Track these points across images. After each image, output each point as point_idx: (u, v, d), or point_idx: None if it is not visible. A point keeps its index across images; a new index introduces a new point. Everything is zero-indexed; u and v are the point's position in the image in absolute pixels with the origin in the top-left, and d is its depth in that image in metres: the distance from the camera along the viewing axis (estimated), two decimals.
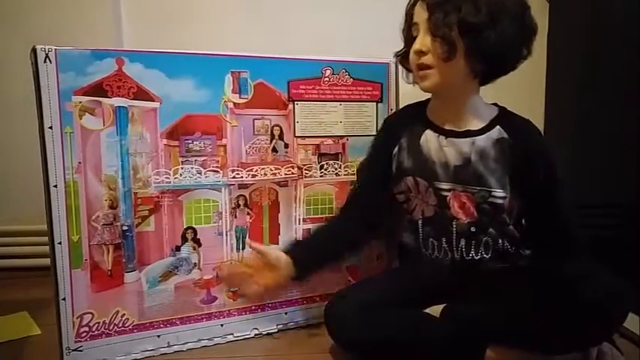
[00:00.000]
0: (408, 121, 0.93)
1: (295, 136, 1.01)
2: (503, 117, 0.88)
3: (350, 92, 1.04)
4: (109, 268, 0.89)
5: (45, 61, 0.81)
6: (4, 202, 1.37)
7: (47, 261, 0.86)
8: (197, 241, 0.95)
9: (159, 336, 0.93)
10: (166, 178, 0.92)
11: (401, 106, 1.07)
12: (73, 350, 0.87)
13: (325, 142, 1.04)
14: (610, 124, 1.10)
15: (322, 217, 1.05)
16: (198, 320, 0.96)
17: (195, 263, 0.95)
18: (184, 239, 0.94)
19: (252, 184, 0.99)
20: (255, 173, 0.98)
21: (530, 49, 0.83)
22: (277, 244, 1.02)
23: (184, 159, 0.93)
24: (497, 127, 0.86)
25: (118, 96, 0.87)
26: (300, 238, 1.01)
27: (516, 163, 0.85)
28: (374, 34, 1.35)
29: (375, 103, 1.07)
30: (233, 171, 0.97)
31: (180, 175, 0.93)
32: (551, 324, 0.76)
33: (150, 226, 0.92)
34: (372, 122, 1.07)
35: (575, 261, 0.85)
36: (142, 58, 0.88)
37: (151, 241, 0.92)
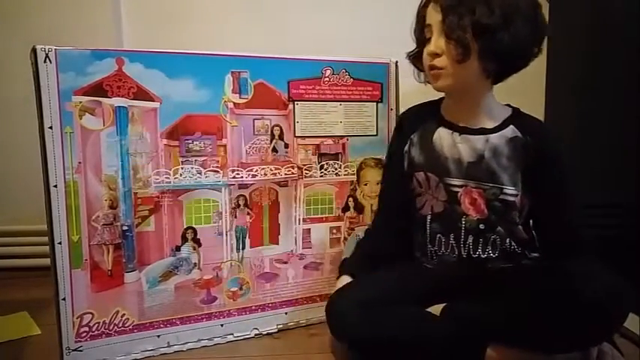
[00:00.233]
0: (421, 119, 0.94)
1: (295, 136, 1.01)
2: (517, 117, 0.89)
3: (350, 92, 1.04)
4: (109, 268, 0.89)
5: (45, 61, 0.81)
6: (4, 202, 1.37)
7: (47, 261, 0.86)
8: (197, 241, 0.95)
9: (159, 336, 0.93)
10: (166, 178, 0.92)
11: (401, 106, 1.08)
12: (73, 350, 0.87)
13: (325, 142, 1.04)
14: (610, 124, 1.10)
15: (322, 217, 1.05)
16: (198, 320, 0.96)
17: (195, 263, 0.95)
18: (184, 239, 0.94)
19: (252, 184, 0.99)
20: (255, 173, 0.98)
21: (542, 47, 0.84)
22: (277, 244, 1.02)
23: (184, 159, 0.93)
24: (511, 126, 0.88)
25: (118, 96, 0.87)
26: (349, 256, 1.02)
27: (529, 162, 0.86)
28: (374, 34, 1.35)
29: (375, 103, 1.07)
30: (233, 171, 0.97)
31: (181, 175, 0.93)
32: (551, 323, 0.76)
33: (150, 226, 0.92)
34: (372, 122, 1.07)
35: (579, 260, 0.85)
36: (142, 58, 0.88)
37: (151, 241, 0.92)
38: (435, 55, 0.83)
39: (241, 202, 0.98)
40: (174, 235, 0.93)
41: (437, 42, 0.82)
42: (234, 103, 0.95)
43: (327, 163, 1.04)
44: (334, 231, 1.06)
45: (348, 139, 1.05)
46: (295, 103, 1.00)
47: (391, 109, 1.08)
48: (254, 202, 0.99)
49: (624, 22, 1.07)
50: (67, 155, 0.84)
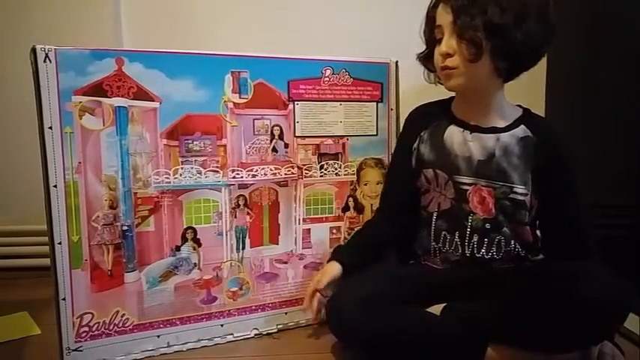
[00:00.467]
0: (431, 116, 0.95)
1: (295, 136, 1.01)
2: (528, 117, 0.90)
3: (350, 92, 1.04)
4: (109, 268, 0.89)
5: (45, 61, 0.81)
6: (5, 202, 1.37)
7: (47, 261, 0.86)
8: (197, 241, 0.95)
9: (159, 336, 0.93)
10: (166, 178, 0.92)
11: (401, 106, 1.08)
12: (73, 350, 0.87)
13: (325, 142, 1.04)
14: (610, 124, 1.10)
15: (322, 217, 1.05)
16: (198, 320, 0.96)
17: (195, 263, 0.95)
18: (184, 239, 0.94)
19: (252, 184, 0.99)
20: (255, 173, 0.98)
21: (551, 43, 0.85)
22: (277, 244, 1.02)
23: (184, 159, 0.93)
24: (522, 125, 0.88)
25: (118, 96, 0.87)
26: (344, 243, 1.04)
27: (539, 162, 0.87)
28: (374, 34, 1.35)
29: (375, 103, 1.07)
30: (233, 171, 0.97)
31: (180, 175, 0.93)
32: (551, 323, 0.76)
33: (150, 226, 0.92)
34: (372, 122, 1.07)
35: (581, 261, 0.85)
36: (142, 58, 0.88)
37: (151, 241, 0.92)
38: (447, 55, 0.83)
39: (241, 202, 0.98)
40: (174, 235, 0.93)
41: (448, 42, 0.82)
42: (234, 103, 0.95)
43: (327, 163, 1.04)
44: (334, 231, 1.06)
45: (348, 139, 1.05)
46: (295, 103, 1.00)
47: (391, 109, 1.08)
48: (254, 202, 0.99)
49: (624, 22, 1.07)
50: (67, 155, 0.84)
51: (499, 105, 0.89)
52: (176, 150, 0.92)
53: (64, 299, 0.86)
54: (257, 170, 0.98)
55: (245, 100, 0.96)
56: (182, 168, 0.93)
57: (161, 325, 0.93)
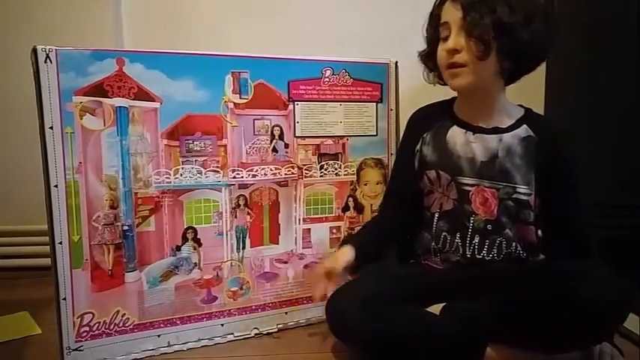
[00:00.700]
0: (433, 118, 0.95)
1: (295, 136, 1.01)
2: (530, 117, 0.90)
3: (350, 92, 1.04)
4: (110, 268, 0.89)
5: (45, 62, 0.81)
6: (6, 201, 1.38)
7: (48, 261, 0.86)
8: (197, 241, 0.95)
9: (159, 336, 0.93)
10: (167, 178, 0.92)
11: (401, 107, 1.08)
12: (74, 350, 0.88)
13: (325, 143, 1.04)
14: (610, 124, 1.10)
15: (322, 217, 1.05)
16: (198, 320, 0.96)
17: (195, 263, 0.95)
18: (185, 239, 0.94)
19: (252, 184, 0.99)
20: (256, 173, 0.98)
21: (554, 45, 0.85)
22: (277, 244, 1.02)
23: (185, 159, 0.93)
24: (525, 125, 0.89)
25: (119, 96, 0.87)
26: (355, 233, 1.04)
27: (541, 162, 0.87)
28: (374, 34, 1.35)
29: (375, 104, 1.07)
30: (233, 171, 0.97)
31: (181, 175, 0.93)
32: (551, 323, 0.76)
33: (150, 226, 0.92)
34: (372, 122, 1.07)
35: (582, 261, 0.85)
36: (143, 59, 0.88)
37: (152, 241, 0.92)
38: (455, 51, 0.82)
39: (241, 202, 0.98)
40: (175, 234, 0.94)
41: (456, 39, 0.82)
42: (235, 104, 0.95)
43: (327, 163, 1.04)
44: (334, 231, 1.07)
45: (348, 139, 1.05)
46: (295, 103, 1.00)
47: (391, 110, 1.08)
48: (254, 202, 1.00)
49: (624, 22, 1.07)
50: (68, 155, 0.84)
51: (502, 106, 0.90)
52: (177, 150, 0.92)
53: (64, 299, 0.86)
54: (257, 170, 0.98)
55: (245, 101, 0.96)
56: (182, 168, 0.93)
57: (161, 325, 0.94)
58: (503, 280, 0.85)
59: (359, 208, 1.08)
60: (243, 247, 0.99)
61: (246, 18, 1.36)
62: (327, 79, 1.02)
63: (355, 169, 1.06)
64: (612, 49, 1.10)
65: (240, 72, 0.95)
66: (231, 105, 0.95)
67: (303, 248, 1.04)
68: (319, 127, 1.03)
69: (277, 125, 1.00)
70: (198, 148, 0.94)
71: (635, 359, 0.88)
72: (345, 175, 1.06)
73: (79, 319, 0.87)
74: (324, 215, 1.05)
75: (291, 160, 1.02)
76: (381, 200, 1.05)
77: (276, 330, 1.02)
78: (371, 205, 1.08)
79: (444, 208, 0.91)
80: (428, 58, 0.91)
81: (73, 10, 1.32)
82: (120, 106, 0.87)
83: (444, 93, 0.93)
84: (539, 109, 1.21)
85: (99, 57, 0.85)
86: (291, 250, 1.04)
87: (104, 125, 0.87)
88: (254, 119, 0.98)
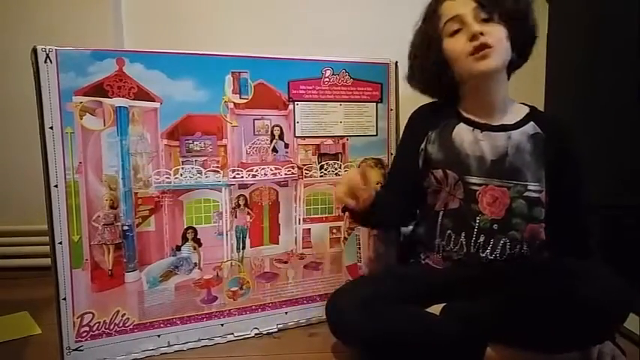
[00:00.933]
0: (438, 116, 0.94)
1: (295, 136, 1.01)
2: (536, 114, 0.91)
3: (350, 92, 1.04)
4: (110, 268, 0.89)
5: (45, 62, 0.82)
6: (6, 201, 1.38)
7: (48, 261, 0.86)
8: (197, 241, 0.95)
9: (159, 336, 0.93)
10: (167, 178, 0.92)
11: (401, 107, 1.08)
12: (74, 350, 0.88)
13: (325, 142, 1.04)
14: (610, 124, 1.10)
15: (322, 217, 1.05)
16: (198, 320, 0.96)
17: (195, 263, 0.95)
18: (185, 239, 0.94)
19: (252, 184, 0.99)
20: (256, 173, 0.98)
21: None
22: (277, 244, 1.02)
23: (185, 159, 0.93)
24: (532, 122, 0.89)
25: (119, 96, 0.87)
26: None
27: (549, 158, 0.87)
28: (374, 34, 1.35)
29: (375, 104, 1.07)
30: (233, 171, 0.97)
31: (181, 175, 0.93)
32: (551, 323, 0.76)
33: (150, 226, 0.92)
34: (372, 122, 1.07)
35: (582, 261, 0.85)
36: (143, 59, 0.88)
37: (152, 241, 0.92)
38: (480, 34, 0.84)
39: (241, 202, 0.98)
40: (175, 234, 0.94)
41: (474, 26, 0.84)
42: (235, 104, 0.95)
43: (327, 163, 1.04)
44: (334, 231, 1.07)
45: (348, 139, 1.05)
46: (295, 103, 1.00)
47: (391, 110, 1.08)
48: (254, 202, 1.00)
49: (624, 22, 1.07)
50: (68, 155, 0.84)
51: (506, 102, 0.91)
52: (177, 150, 0.92)
53: (64, 299, 0.86)
54: (257, 170, 0.99)
55: (245, 101, 0.96)
56: (182, 168, 0.93)
57: (161, 325, 0.94)
58: (504, 279, 0.85)
59: None
60: (243, 247, 0.99)
61: (246, 18, 1.37)
62: (327, 79, 1.02)
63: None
64: (612, 49, 1.10)
65: (240, 72, 0.95)
66: (231, 105, 0.95)
67: (303, 248, 1.04)
68: (319, 127, 1.03)
69: (277, 125, 1.00)
70: (198, 148, 0.94)
71: (635, 359, 0.88)
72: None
73: (79, 319, 0.87)
74: (324, 215, 1.05)
75: (291, 160, 1.02)
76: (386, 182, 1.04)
77: (276, 330, 1.02)
78: None
79: (449, 207, 0.91)
80: (424, 58, 0.91)
81: (73, 10, 1.32)
82: (120, 106, 0.87)
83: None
84: (539, 108, 1.21)
85: (99, 57, 0.85)
86: (291, 250, 1.04)
87: (104, 125, 0.87)
88: (254, 119, 0.98)
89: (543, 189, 0.88)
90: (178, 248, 0.94)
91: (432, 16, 0.90)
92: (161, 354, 0.93)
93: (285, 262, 1.03)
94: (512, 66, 0.90)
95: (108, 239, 0.88)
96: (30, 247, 1.35)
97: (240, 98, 0.96)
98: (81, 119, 0.85)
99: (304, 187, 1.03)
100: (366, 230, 1.08)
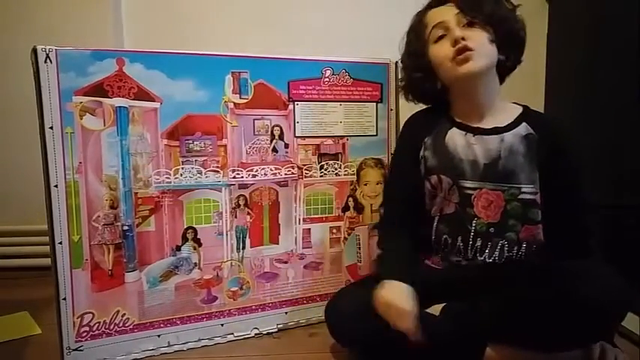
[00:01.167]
0: (431, 122, 0.93)
1: (295, 136, 1.01)
2: (528, 114, 0.90)
3: (350, 92, 1.04)
4: (110, 268, 0.89)
5: (45, 62, 0.82)
6: (6, 201, 1.38)
7: (48, 261, 0.86)
8: (197, 241, 0.95)
9: (159, 336, 0.93)
10: (167, 178, 0.92)
11: (401, 107, 1.08)
12: (74, 350, 0.88)
13: (325, 142, 1.04)
14: (610, 123, 1.10)
15: (322, 217, 1.05)
16: (198, 320, 0.96)
17: (195, 263, 0.95)
18: (185, 239, 0.94)
19: (252, 184, 0.99)
20: (256, 173, 0.98)
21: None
22: (277, 243, 1.02)
23: (185, 159, 0.93)
24: (524, 123, 0.88)
25: (119, 96, 0.87)
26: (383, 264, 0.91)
27: (543, 159, 0.87)
28: (374, 34, 1.35)
29: (375, 104, 1.07)
30: (233, 171, 0.97)
31: (181, 175, 0.93)
32: (550, 322, 0.76)
33: (150, 226, 0.92)
34: (372, 122, 1.07)
35: (582, 260, 0.85)
36: (143, 59, 0.88)
37: (152, 241, 0.92)
38: (462, 39, 0.84)
39: (241, 202, 0.98)
40: (175, 234, 0.94)
41: (459, 30, 0.85)
42: (235, 104, 0.95)
43: (327, 163, 1.04)
44: (334, 231, 1.07)
45: (348, 139, 1.05)
46: (295, 103, 1.00)
47: (391, 110, 1.08)
48: (254, 202, 1.00)
49: (624, 22, 1.07)
50: (68, 155, 0.84)
51: (498, 104, 0.90)
52: (177, 150, 0.92)
53: (64, 299, 0.86)
54: (257, 170, 0.99)
55: (245, 101, 0.96)
56: (182, 168, 0.93)
57: (161, 325, 0.94)
58: (504, 280, 0.85)
59: (359, 208, 1.08)
60: (243, 247, 0.99)
61: (246, 18, 1.37)
62: (327, 79, 1.02)
63: (355, 169, 1.06)
64: (612, 49, 1.10)
65: (240, 72, 0.95)
66: (231, 105, 0.95)
67: (303, 248, 1.04)
68: (319, 127, 1.03)
69: (277, 125, 1.00)
70: (198, 148, 0.94)
71: (635, 359, 0.88)
72: (345, 175, 1.06)
73: (79, 319, 0.87)
74: (324, 215, 1.05)
75: (291, 160, 1.02)
76: (387, 210, 0.98)
77: (276, 330, 1.02)
78: (371, 205, 1.08)
79: (444, 212, 0.90)
80: (417, 59, 0.91)
81: (73, 10, 1.32)
82: (120, 106, 0.87)
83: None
84: (539, 108, 1.21)
85: (99, 57, 0.85)
86: (291, 250, 1.04)
87: (104, 125, 0.87)
88: (254, 119, 0.98)
89: (538, 190, 0.87)
90: (178, 248, 0.94)
91: (417, 26, 0.91)
92: (161, 354, 0.93)
93: (285, 262, 1.03)
94: (505, 69, 0.90)
95: (108, 239, 0.88)
96: (30, 247, 1.35)
97: (240, 98, 0.96)
98: (81, 119, 0.85)
99: (304, 187, 1.03)
100: (366, 230, 1.08)
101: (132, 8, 1.33)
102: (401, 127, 1.01)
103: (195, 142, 0.93)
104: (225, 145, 0.96)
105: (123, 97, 0.87)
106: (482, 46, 0.84)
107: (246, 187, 0.98)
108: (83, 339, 0.88)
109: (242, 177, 0.97)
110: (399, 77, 0.97)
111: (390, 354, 0.82)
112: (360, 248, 1.08)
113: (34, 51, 0.81)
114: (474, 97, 0.89)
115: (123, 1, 1.33)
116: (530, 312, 0.78)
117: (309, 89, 1.01)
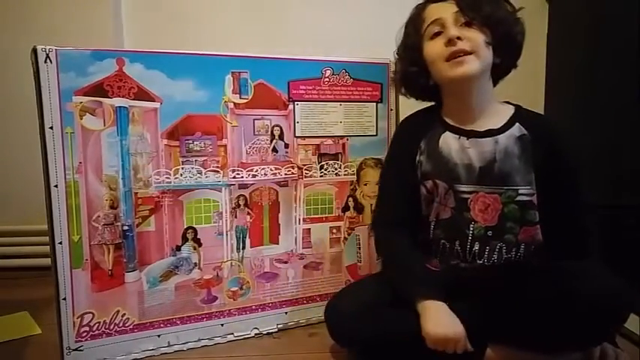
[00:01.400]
0: (425, 125, 0.92)
1: (295, 136, 1.01)
2: (521, 114, 0.89)
3: (350, 92, 1.04)
4: (110, 268, 0.89)
5: (45, 62, 0.82)
6: (5, 201, 1.38)
7: (48, 261, 0.86)
8: (197, 241, 0.95)
9: (159, 336, 0.93)
10: (167, 178, 0.92)
11: (401, 107, 1.08)
12: (74, 350, 0.88)
13: (325, 142, 1.04)
14: (610, 123, 1.10)
15: (322, 217, 1.05)
16: (198, 320, 0.96)
17: (195, 263, 0.95)
18: (185, 239, 0.94)
19: (252, 184, 0.99)
20: (256, 173, 0.98)
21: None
22: (277, 243, 1.02)
23: (185, 159, 0.93)
24: (517, 124, 0.87)
25: (119, 96, 0.87)
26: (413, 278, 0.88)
27: (538, 159, 0.86)
28: (374, 34, 1.35)
29: (374, 104, 1.07)
30: (233, 171, 0.97)
31: (181, 175, 0.93)
32: (550, 323, 0.76)
33: (150, 226, 0.92)
34: (372, 122, 1.07)
35: (581, 261, 0.85)
36: (143, 59, 0.88)
37: (152, 241, 0.92)
38: (458, 38, 0.83)
39: (241, 202, 0.98)
40: (175, 234, 0.94)
41: (453, 30, 0.83)
42: (235, 104, 0.95)
43: (327, 163, 1.04)
44: (334, 231, 1.07)
45: (348, 139, 1.05)
46: (295, 103, 1.00)
47: (391, 110, 1.08)
48: (254, 202, 1.00)
49: (624, 22, 1.07)
50: (68, 155, 0.84)
51: (491, 106, 0.89)
52: (177, 150, 0.92)
53: (64, 299, 0.86)
54: (257, 170, 0.99)
55: (245, 101, 0.96)
56: (182, 168, 0.93)
57: (161, 325, 0.94)
58: (503, 281, 0.85)
59: (359, 208, 1.08)
60: (243, 247, 0.99)
61: (246, 18, 1.37)
62: (327, 79, 1.02)
63: (355, 169, 1.06)
64: (612, 49, 1.10)
65: (240, 72, 0.95)
66: (231, 105, 0.95)
67: (303, 248, 1.04)
68: (319, 127, 1.03)
69: (277, 125, 1.00)
70: (198, 148, 0.94)
71: (635, 359, 0.88)
72: (345, 175, 1.06)
73: (79, 319, 0.87)
74: (324, 215, 1.05)
75: (291, 160, 1.02)
76: (387, 215, 0.95)
77: (276, 330, 1.02)
78: (371, 205, 1.08)
79: (440, 217, 0.89)
80: (412, 54, 0.89)
81: (74, 10, 1.32)
82: (120, 106, 0.87)
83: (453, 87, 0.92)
84: (539, 108, 1.21)
85: (99, 57, 0.85)
86: (291, 250, 1.04)
87: (104, 125, 0.87)
88: (254, 119, 0.98)
89: (535, 192, 0.86)
90: (178, 248, 0.94)
91: (416, 19, 0.89)
92: (161, 354, 0.93)
93: (285, 262, 1.03)
94: (500, 71, 0.88)
95: (108, 239, 0.88)
96: (30, 247, 1.35)
97: (240, 98, 0.96)
98: (81, 119, 0.85)
99: (304, 187, 1.03)
100: (366, 230, 1.08)
101: (132, 8, 1.33)
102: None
103: (195, 142, 0.93)
104: (225, 145, 0.96)
105: (123, 97, 0.87)
106: (479, 48, 0.83)
107: (246, 187, 0.98)
108: (83, 339, 0.88)
109: (242, 177, 0.97)
110: (394, 69, 0.96)
111: (389, 354, 0.82)
112: (360, 248, 1.08)
113: (34, 51, 0.81)
114: (467, 99, 0.88)
115: (123, 1, 1.33)
116: (530, 313, 0.78)
117: (309, 89, 1.01)
